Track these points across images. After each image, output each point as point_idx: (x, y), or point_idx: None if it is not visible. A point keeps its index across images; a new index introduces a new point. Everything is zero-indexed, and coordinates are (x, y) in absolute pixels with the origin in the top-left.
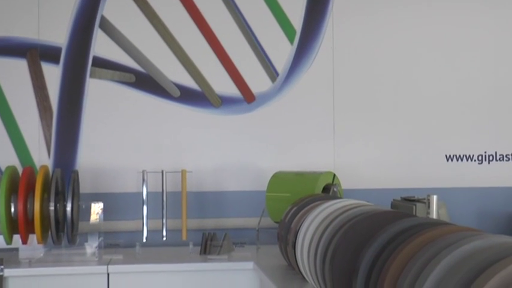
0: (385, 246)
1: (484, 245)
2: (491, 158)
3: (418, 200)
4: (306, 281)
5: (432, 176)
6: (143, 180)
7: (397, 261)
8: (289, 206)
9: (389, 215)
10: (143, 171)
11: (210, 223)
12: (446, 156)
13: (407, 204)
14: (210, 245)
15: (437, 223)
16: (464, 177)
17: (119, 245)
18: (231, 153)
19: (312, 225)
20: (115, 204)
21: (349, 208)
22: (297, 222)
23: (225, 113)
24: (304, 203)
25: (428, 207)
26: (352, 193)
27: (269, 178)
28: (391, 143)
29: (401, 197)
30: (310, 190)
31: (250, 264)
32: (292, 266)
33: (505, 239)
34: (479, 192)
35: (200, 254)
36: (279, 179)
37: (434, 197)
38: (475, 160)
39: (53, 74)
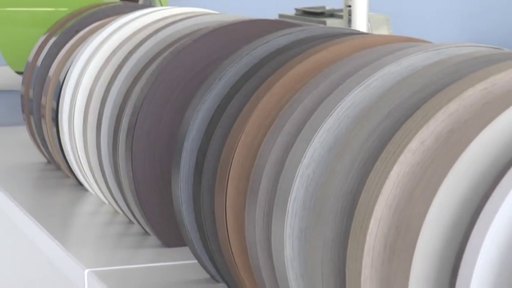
0: (237, 85)
1: (427, 62)
2: None
3: (332, 14)
4: (84, 188)
5: None
6: None
7: (259, 112)
8: (43, 35)
9: (253, 28)
10: None
11: None
12: None
13: (307, 20)
14: None
15: (346, 33)
16: None
17: None
18: None
19: (90, 67)
20: None
21: (173, 21)
22: (61, 66)
23: None
24: (78, 25)
25: (349, 23)
26: (188, 4)
27: None
28: None
29: (296, 9)
30: None
31: None
32: (54, 161)
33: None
34: None
35: None
36: None
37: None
38: None
39: None
